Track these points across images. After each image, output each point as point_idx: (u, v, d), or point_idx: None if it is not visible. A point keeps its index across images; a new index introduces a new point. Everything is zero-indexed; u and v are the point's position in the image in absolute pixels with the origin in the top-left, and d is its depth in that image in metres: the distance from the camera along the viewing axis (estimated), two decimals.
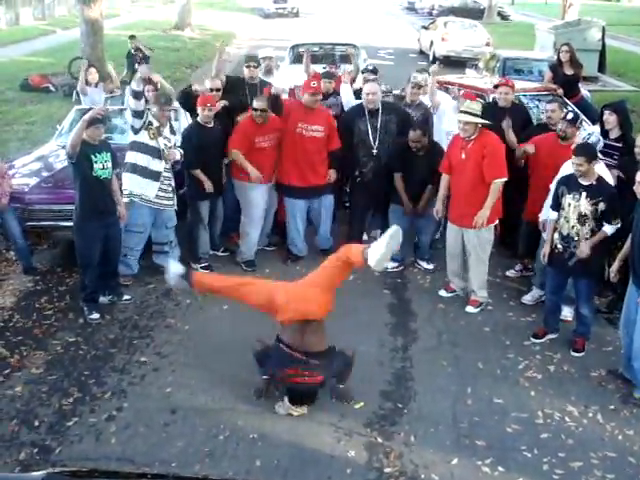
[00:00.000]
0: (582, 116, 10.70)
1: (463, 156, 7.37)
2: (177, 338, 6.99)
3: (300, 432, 5.59)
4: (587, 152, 6.46)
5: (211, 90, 8.54)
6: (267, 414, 5.77)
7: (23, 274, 8.27)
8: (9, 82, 19.06)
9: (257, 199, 8.30)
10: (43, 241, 8.90)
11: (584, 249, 6.48)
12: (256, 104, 8.01)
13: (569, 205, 6.56)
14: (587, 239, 6.51)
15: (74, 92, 15.16)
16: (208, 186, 8.04)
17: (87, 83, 11.49)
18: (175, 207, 8.07)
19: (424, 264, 8.65)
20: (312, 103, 8.26)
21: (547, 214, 7.11)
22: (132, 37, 17.20)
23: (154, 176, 7.72)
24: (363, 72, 10.44)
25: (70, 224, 7.35)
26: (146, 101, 7.72)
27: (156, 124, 7.71)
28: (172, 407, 5.88)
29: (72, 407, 5.88)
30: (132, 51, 16.59)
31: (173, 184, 7.98)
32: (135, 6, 47.08)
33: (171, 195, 7.97)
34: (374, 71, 9.93)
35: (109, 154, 7.13)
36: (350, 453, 5.38)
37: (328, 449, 5.41)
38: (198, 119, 8.11)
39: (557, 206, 6.72)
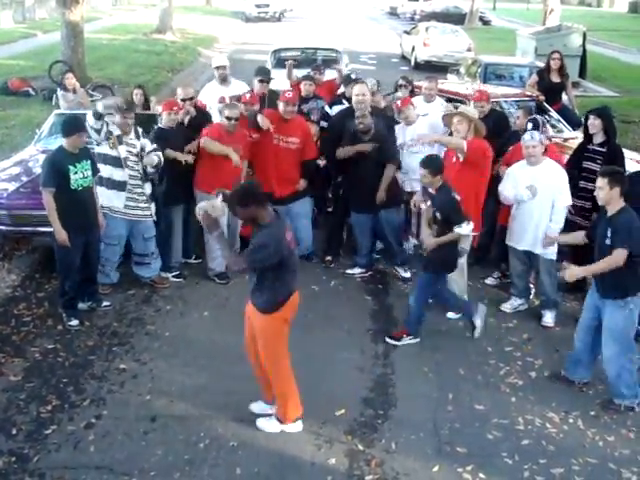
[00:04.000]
0: (563, 122, 10.80)
1: (454, 160, 7.44)
2: (157, 345, 6.93)
3: (280, 440, 5.56)
4: (429, 165, 6.72)
5: (183, 100, 8.43)
6: (247, 422, 5.73)
7: None
8: None
9: None
10: (22, 246, 8.81)
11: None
12: (229, 112, 7.84)
13: None
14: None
15: (54, 96, 14.97)
16: (182, 158, 7.81)
17: (65, 89, 11.32)
18: (153, 217, 7.90)
19: (401, 271, 8.53)
20: (286, 113, 8.20)
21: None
22: None
23: (119, 186, 7.53)
24: (342, 82, 10.42)
25: (49, 229, 7.27)
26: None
27: (117, 132, 7.51)
28: (151, 415, 5.83)
29: (50, 415, 5.82)
30: None
31: (148, 192, 7.79)
32: (117, 9, 46.75)
33: (145, 205, 7.77)
34: (349, 79, 9.90)
35: (89, 162, 7.04)
36: (331, 461, 5.36)
37: (309, 457, 5.40)
38: (161, 124, 7.98)
39: None
